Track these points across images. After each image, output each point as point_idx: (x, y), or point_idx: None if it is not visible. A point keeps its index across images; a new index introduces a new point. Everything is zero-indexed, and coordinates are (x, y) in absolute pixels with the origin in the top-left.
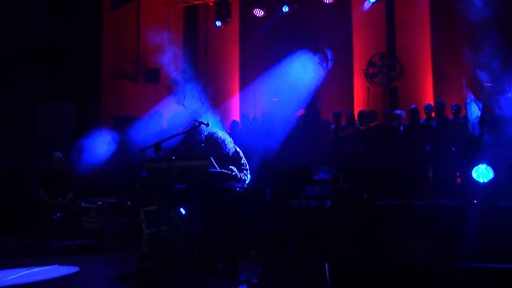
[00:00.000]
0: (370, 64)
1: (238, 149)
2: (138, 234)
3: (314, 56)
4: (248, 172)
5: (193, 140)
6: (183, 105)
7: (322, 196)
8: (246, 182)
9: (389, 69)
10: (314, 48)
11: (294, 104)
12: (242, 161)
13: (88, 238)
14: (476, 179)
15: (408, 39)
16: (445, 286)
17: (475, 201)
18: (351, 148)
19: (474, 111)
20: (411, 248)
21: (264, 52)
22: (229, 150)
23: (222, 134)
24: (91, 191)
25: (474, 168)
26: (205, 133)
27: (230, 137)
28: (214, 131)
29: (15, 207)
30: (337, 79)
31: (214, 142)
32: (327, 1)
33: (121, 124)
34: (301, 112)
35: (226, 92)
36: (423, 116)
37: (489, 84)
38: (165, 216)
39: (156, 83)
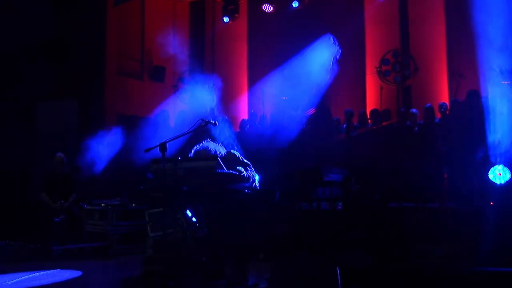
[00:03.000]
0: (383, 61)
1: (233, 151)
2: (143, 237)
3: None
4: (253, 169)
5: (200, 140)
6: (189, 104)
7: (333, 198)
8: (256, 181)
9: (403, 67)
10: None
11: (304, 103)
12: (240, 160)
13: (91, 241)
14: (493, 180)
15: (422, 36)
16: None
17: (491, 203)
18: (363, 148)
19: None
20: (425, 252)
21: (273, 49)
22: (220, 153)
23: (204, 144)
24: (95, 193)
25: (490, 169)
26: (193, 154)
27: (237, 136)
28: (196, 147)
29: (16, 209)
30: (348, 77)
31: (200, 152)
32: None
33: (125, 123)
34: (311, 111)
35: (234, 90)
36: (437, 115)
37: (506, 82)
38: (171, 218)
39: (161, 82)
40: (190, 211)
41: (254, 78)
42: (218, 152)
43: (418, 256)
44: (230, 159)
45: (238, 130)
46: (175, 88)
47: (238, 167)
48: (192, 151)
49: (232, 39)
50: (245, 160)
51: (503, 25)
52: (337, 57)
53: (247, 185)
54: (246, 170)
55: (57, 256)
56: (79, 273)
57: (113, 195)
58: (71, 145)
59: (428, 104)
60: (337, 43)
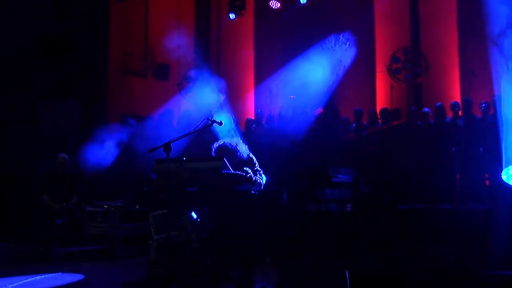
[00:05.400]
0: (393, 59)
1: (251, 155)
2: (146, 239)
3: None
4: (262, 175)
5: (205, 140)
6: (194, 102)
7: (342, 199)
8: (262, 185)
9: (414, 65)
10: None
11: (312, 102)
12: (256, 166)
13: (94, 244)
14: (506, 181)
15: (433, 33)
16: None
17: (504, 205)
18: (372, 148)
19: None
20: (437, 254)
21: (280, 46)
22: (242, 155)
23: (234, 141)
24: (97, 194)
25: (504, 170)
26: (216, 145)
27: (245, 136)
28: (226, 141)
29: (17, 211)
30: (358, 75)
31: (226, 151)
32: None
33: (128, 123)
34: (319, 110)
35: (240, 89)
36: (449, 115)
37: None
38: (175, 220)
39: (165, 80)
40: (195, 212)
41: (261, 76)
42: (242, 154)
43: (429, 259)
44: (248, 164)
45: (244, 129)
46: (180, 86)
47: (245, 168)
48: (218, 145)
49: (239, 36)
50: (258, 168)
51: None
52: (351, 56)
53: (253, 187)
54: (255, 174)
55: (58, 259)
56: (81, 277)
57: (116, 196)
58: (73, 145)
59: (439, 103)
60: (350, 42)
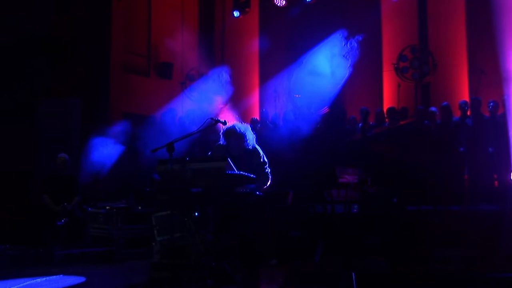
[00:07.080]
0: (401, 57)
1: (257, 146)
2: (149, 241)
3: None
4: (269, 171)
5: (209, 140)
6: (198, 101)
7: (348, 200)
8: (268, 183)
9: (421, 63)
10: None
11: (318, 101)
12: (262, 159)
13: (96, 246)
14: None
15: (441, 31)
16: None
17: None
18: (379, 148)
19: None
20: (445, 257)
21: (285, 45)
22: (248, 143)
23: (243, 127)
24: (99, 195)
25: None
26: (225, 127)
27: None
28: (235, 124)
29: (17, 212)
30: (365, 74)
31: (234, 134)
32: None
33: (131, 122)
34: (325, 109)
35: (244, 88)
36: (457, 114)
37: None
38: (178, 222)
39: (168, 78)
40: (198, 214)
41: (266, 75)
42: (248, 143)
43: (437, 261)
44: (253, 155)
45: None
46: (183, 85)
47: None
48: (227, 127)
49: (243, 34)
50: (266, 160)
51: None
52: (354, 56)
53: (255, 186)
54: (262, 168)
55: (59, 261)
56: (83, 279)
57: (119, 197)
58: (75, 145)
59: (445, 103)
60: (354, 42)
